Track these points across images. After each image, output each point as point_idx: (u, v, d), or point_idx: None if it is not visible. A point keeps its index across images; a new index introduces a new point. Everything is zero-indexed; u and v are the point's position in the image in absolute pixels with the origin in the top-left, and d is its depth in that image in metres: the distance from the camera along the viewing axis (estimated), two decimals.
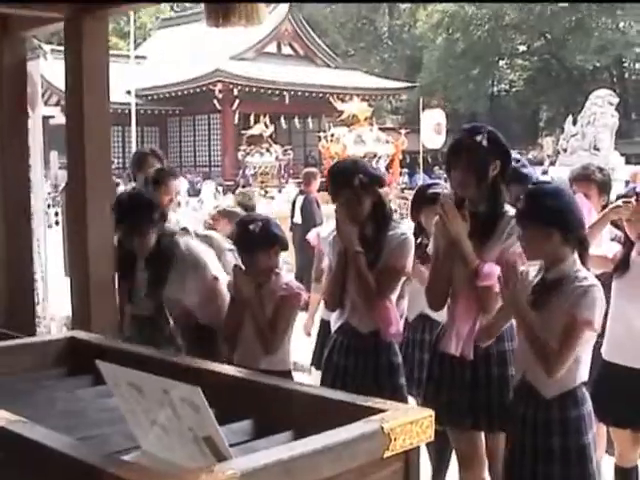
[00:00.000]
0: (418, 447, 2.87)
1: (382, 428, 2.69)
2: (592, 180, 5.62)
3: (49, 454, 2.58)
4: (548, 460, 3.87)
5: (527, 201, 3.97)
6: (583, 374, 3.99)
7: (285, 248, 4.77)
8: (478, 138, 4.25)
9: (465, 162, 4.26)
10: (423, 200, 5.56)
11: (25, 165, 6.79)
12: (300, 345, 6.22)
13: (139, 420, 2.76)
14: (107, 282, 5.78)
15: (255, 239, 4.61)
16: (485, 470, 4.51)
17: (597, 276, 4.43)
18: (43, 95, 18.29)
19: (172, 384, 2.48)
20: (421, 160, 28.91)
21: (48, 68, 13.36)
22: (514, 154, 5.23)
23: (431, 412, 2.90)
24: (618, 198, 5.05)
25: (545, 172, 27.48)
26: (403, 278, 4.79)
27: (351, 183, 4.64)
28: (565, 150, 21.96)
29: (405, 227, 5.08)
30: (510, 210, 4.34)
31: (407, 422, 2.78)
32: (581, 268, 3.94)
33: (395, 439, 2.72)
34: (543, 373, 3.86)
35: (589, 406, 3.99)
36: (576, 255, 3.95)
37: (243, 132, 29.23)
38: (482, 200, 4.31)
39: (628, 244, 4.90)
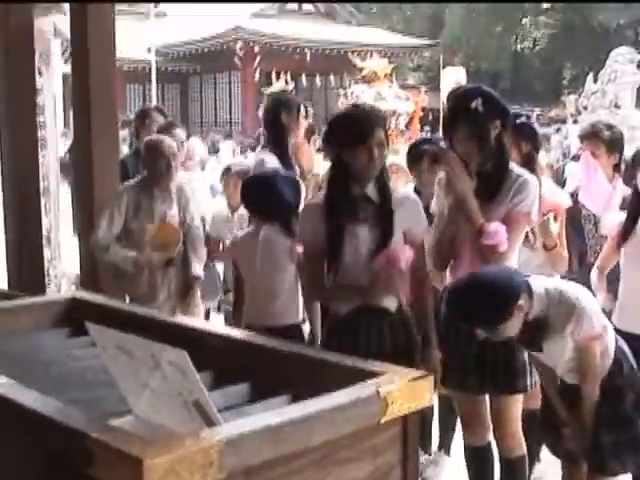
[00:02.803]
0: (417, 412, 2.80)
1: (378, 392, 2.62)
2: (600, 138, 5.50)
3: (35, 417, 2.52)
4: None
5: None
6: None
7: None
8: (473, 105, 4.15)
9: (465, 132, 4.20)
10: (417, 156, 5.55)
11: (33, 124, 6.73)
12: None
13: (130, 384, 2.70)
14: None
15: None
16: (489, 433, 4.45)
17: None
18: (64, 53, 18.17)
19: (160, 347, 2.41)
20: (441, 118, 28.73)
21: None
22: (519, 111, 5.16)
23: (430, 375, 2.83)
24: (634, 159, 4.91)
25: (559, 129, 27.32)
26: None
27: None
28: (586, 108, 21.73)
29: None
30: (516, 168, 4.26)
31: (404, 386, 2.71)
32: None
33: (392, 403, 2.65)
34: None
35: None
36: None
37: (264, 89, 29.10)
38: (487, 160, 4.23)
39: (634, 209, 4.79)
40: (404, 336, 4.21)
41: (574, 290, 3.93)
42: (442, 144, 5.05)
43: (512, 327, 3.83)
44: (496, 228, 4.08)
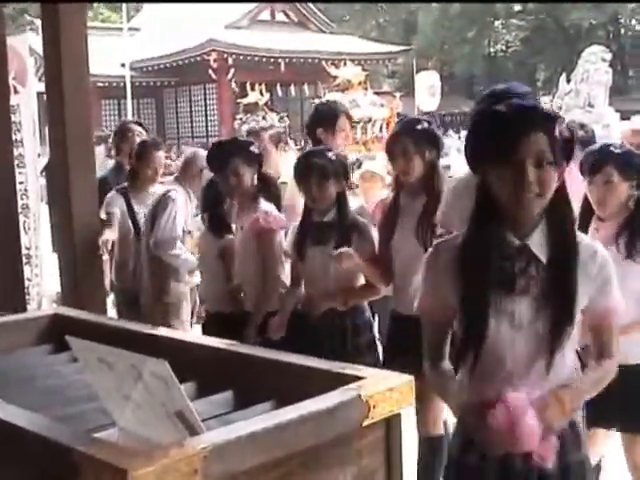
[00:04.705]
0: (399, 414, 2.82)
1: (360, 396, 2.64)
2: None
3: (20, 433, 2.53)
4: None
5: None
6: None
7: None
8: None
9: None
10: (305, 170, 4.99)
11: (8, 142, 6.73)
12: None
13: (113, 396, 2.71)
14: (94, 257, 5.75)
15: None
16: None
17: None
18: (37, 71, 18.17)
19: (140, 358, 2.43)
20: None
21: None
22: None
23: (411, 378, 2.85)
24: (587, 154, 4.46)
25: None
26: None
27: None
28: (560, 108, 21.87)
29: None
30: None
31: (386, 389, 2.73)
32: None
33: (374, 406, 2.67)
34: None
35: None
36: None
37: (239, 101, 29.15)
38: None
39: (583, 219, 4.38)
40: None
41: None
42: (330, 155, 4.92)
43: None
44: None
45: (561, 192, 2.70)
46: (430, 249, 2.96)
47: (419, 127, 4.72)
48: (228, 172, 5.17)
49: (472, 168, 2.82)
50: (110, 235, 6.11)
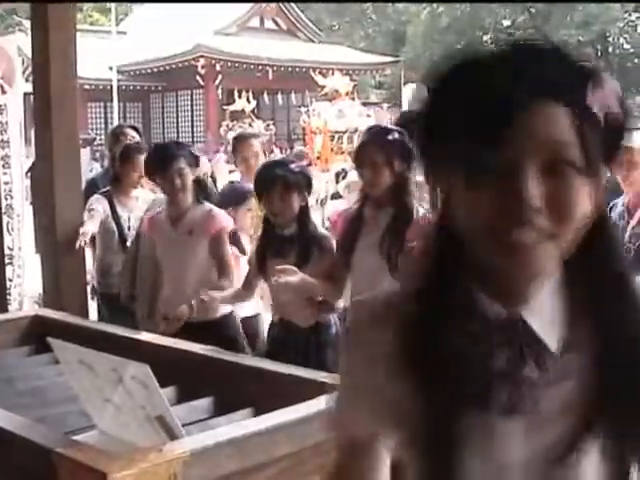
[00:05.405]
0: None
1: None
2: None
3: (0, 433, 2.53)
4: None
5: None
6: None
7: None
8: None
9: None
10: (267, 181, 4.75)
11: None
12: None
13: (93, 399, 2.71)
14: (77, 259, 5.74)
15: None
16: None
17: None
18: (24, 72, 18.13)
19: (122, 362, 2.44)
20: None
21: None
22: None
23: None
24: None
25: None
26: None
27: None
28: None
29: None
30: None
31: None
32: None
33: None
34: None
35: None
36: None
37: (225, 108, 29.18)
38: None
39: None
40: None
41: None
42: (293, 166, 4.72)
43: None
44: None
45: (600, 219, 1.27)
46: (351, 313, 1.61)
47: (390, 137, 4.46)
48: (173, 173, 4.92)
49: (426, 176, 1.39)
50: (91, 226, 5.96)
